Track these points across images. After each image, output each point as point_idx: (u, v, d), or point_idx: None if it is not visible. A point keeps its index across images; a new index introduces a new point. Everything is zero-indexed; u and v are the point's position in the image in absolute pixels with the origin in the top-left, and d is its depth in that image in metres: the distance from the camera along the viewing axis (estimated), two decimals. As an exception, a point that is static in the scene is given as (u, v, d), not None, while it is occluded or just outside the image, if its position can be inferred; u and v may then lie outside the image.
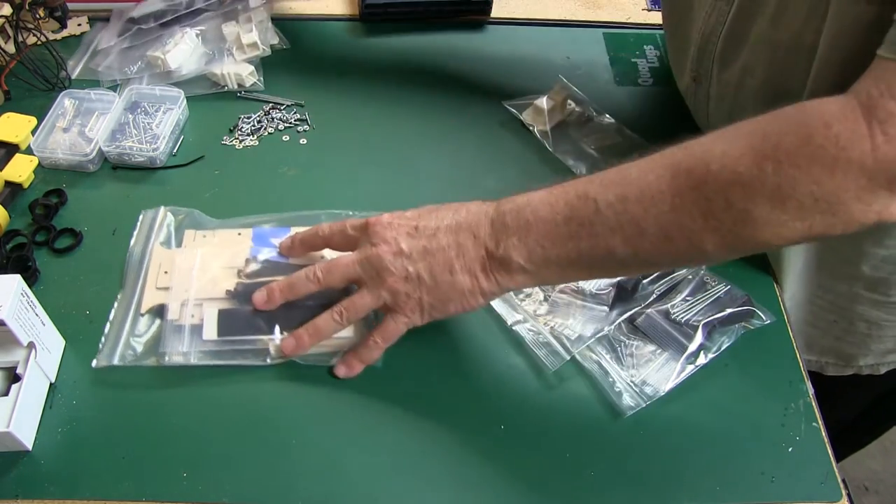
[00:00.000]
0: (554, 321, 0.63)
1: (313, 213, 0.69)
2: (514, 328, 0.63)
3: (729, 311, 0.63)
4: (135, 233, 0.68)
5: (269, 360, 0.60)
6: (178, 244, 0.67)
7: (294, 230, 0.66)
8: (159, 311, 0.62)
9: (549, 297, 0.64)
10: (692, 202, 0.47)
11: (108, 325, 0.62)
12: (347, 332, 0.61)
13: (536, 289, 0.65)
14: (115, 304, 0.63)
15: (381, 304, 0.57)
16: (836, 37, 0.53)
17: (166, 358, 0.60)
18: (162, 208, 0.70)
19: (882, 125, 0.43)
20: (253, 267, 0.63)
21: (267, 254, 0.64)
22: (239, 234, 0.67)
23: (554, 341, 0.61)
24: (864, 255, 0.66)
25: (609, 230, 0.50)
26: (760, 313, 0.63)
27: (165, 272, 0.64)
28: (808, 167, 0.44)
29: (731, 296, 0.64)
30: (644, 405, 0.58)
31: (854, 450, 1.08)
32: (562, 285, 0.64)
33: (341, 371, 0.59)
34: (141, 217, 0.69)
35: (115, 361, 0.59)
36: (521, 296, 0.65)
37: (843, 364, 0.77)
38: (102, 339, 0.61)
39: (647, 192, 0.49)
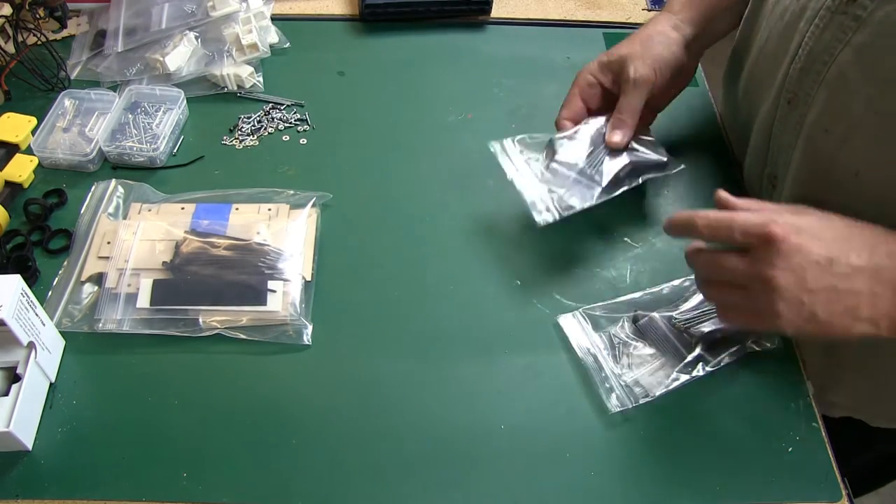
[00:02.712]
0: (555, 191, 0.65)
1: (258, 192, 0.71)
2: (513, 182, 0.65)
3: (735, 329, 0.62)
4: (85, 203, 0.70)
5: (199, 332, 0.62)
6: (125, 216, 0.69)
7: (235, 206, 0.69)
8: (99, 280, 0.64)
9: (550, 166, 0.66)
10: None
11: (49, 291, 0.64)
12: (277, 307, 0.62)
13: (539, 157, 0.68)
14: (60, 272, 0.65)
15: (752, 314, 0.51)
16: None
17: (100, 325, 0.61)
18: (113, 181, 0.72)
19: None
20: (190, 239, 0.65)
21: (205, 227, 0.66)
22: (182, 208, 0.69)
23: (550, 202, 0.64)
24: None
25: None
26: (768, 336, 0.62)
27: (108, 242, 0.66)
28: None
29: None
30: (630, 406, 0.58)
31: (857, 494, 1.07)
32: (561, 161, 0.66)
33: None
34: (93, 188, 0.71)
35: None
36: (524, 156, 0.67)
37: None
38: (44, 305, 0.61)
39: None
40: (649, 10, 0.95)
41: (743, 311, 0.52)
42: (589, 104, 0.69)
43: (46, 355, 0.58)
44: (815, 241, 0.48)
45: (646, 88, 0.65)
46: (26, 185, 0.72)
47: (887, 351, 0.65)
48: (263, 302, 0.62)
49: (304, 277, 0.65)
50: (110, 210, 0.70)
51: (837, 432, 0.60)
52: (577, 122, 0.68)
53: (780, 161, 0.65)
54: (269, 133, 0.79)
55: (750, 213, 0.51)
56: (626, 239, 0.71)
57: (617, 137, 0.65)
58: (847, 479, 0.57)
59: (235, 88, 0.82)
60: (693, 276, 0.65)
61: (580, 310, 0.64)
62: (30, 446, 0.55)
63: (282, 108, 0.81)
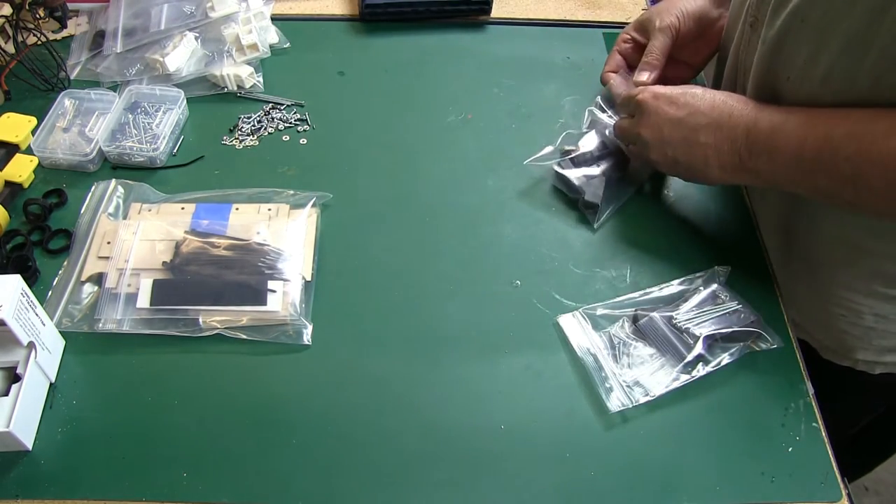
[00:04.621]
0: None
1: (258, 192, 0.71)
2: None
3: (734, 328, 0.62)
4: (85, 203, 0.70)
5: (199, 332, 0.62)
6: (125, 216, 0.69)
7: (235, 206, 0.69)
8: (99, 280, 0.64)
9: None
10: None
11: (49, 291, 0.64)
12: (277, 307, 0.62)
13: None
14: (60, 272, 0.65)
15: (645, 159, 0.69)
16: None
17: (100, 325, 0.61)
18: (113, 181, 0.72)
19: None
20: (190, 239, 0.65)
21: (205, 227, 0.66)
22: (182, 208, 0.69)
23: None
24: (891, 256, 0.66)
25: (844, 179, 0.56)
26: (768, 336, 0.62)
27: (108, 242, 0.66)
28: None
29: (739, 314, 0.63)
30: (630, 406, 0.58)
31: (862, 472, 1.07)
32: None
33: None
34: (93, 188, 0.71)
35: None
36: None
37: (841, 354, 0.77)
38: (44, 305, 0.61)
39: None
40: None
41: (637, 156, 0.71)
42: (627, 59, 0.79)
43: (46, 355, 0.58)
44: (670, 106, 0.65)
45: (670, 33, 0.75)
46: (26, 185, 0.72)
47: (825, 265, 0.72)
48: (263, 302, 0.62)
49: (303, 277, 0.65)
50: (110, 210, 0.70)
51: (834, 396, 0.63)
52: (618, 72, 0.79)
53: (744, 82, 0.71)
54: (269, 133, 0.79)
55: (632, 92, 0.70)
56: (625, 239, 0.71)
57: (643, 76, 0.75)
58: (846, 449, 0.58)
59: (235, 88, 0.82)
60: (692, 276, 0.67)
61: (580, 310, 0.64)
62: (30, 446, 0.55)
63: (282, 108, 0.81)
